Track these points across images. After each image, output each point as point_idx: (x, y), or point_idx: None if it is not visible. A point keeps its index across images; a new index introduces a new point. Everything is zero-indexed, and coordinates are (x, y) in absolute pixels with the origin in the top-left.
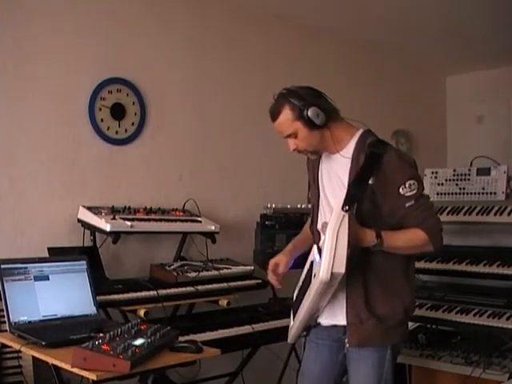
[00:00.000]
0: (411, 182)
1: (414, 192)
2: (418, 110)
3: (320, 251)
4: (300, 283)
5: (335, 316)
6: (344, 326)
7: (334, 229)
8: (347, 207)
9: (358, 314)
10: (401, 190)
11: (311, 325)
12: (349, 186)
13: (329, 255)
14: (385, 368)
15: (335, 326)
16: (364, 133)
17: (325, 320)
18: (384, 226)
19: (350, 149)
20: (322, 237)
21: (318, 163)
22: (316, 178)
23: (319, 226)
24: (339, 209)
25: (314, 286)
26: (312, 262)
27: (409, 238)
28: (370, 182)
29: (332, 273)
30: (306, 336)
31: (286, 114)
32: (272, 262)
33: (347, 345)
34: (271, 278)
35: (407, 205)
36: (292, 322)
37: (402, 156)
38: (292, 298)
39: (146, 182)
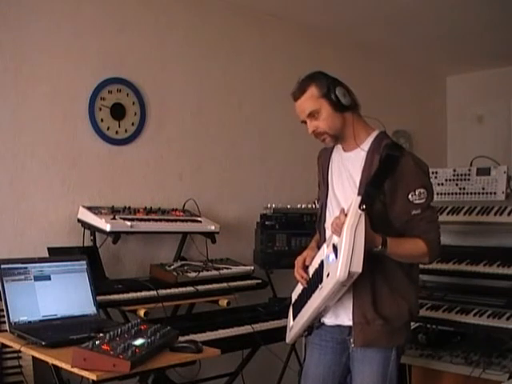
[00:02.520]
0: (421, 190)
1: (423, 201)
2: (418, 110)
3: (336, 250)
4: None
5: (339, 316)
6: (348, 327)
7: (352, 227)
8: (364, 206)
9: (365, 315)
10: (410, 195)
11: (314, 325)
12: (366, 185)
13: (346, 254)
14: (389, 369)
15: (339, 326)
16: (380, 134)
17: (329, 320)
18: (389, 229)
19: (366, 145)
20: (328, 232)
21: (328, 161)
22: (326, 176)
23: (327, 225)
24: (356, 207)
25: (328, 285)
26: (322, 262)
27: (410, 248)
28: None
29: (349, 272)
30: (307, 336)
31: (312, 91)
32: (300, 258)
33: (352, 345)
34: (301, 274)
35: (413, 212)
36: (292, 323)
37: (418, 162)
38: (291, 298)
39: (146, 182)
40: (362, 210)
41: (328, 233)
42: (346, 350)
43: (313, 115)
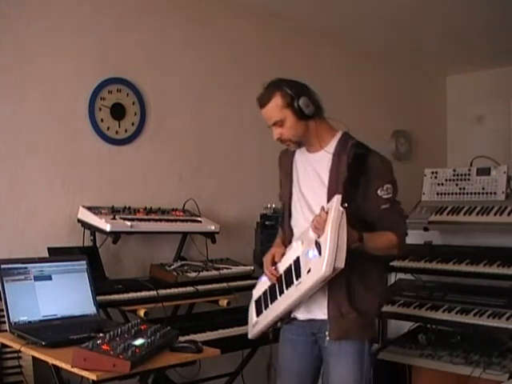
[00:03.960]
0: (389, 185)
1: (390, 196)
2: (418, 110)
3: (318, 246)
4: (268, 281)
5: (312, 311)
6: (321, 321)
7: (336, 224)
8: (346, 204)
9: (339, 308)
10: (379, 191)
11: (283, 321)
12: (344, 184)
13: (332, 250)
14: (365, 361)
15: (312, 321)
16: (345, 134)
17: (301, 315)
18: (362, 225)
19: (331, 147)
20: (296, 230)
21: (291, 161)
22: (289, 176)
23: (294, 223)
24: (339, 205)
25: (310, 280)
26: (298, 258)
27: (384, 241)
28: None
29: (334, 267)
30: (271, 332)
31: (276, 101)
32: (269, 256)
33: (327, 338)
34: (271, 271)
35: (382, 207)
36: (255, 319)
37: (383, 159)
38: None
39: (146, 182)
40: (344, 207)
41: (296, 231)
42: (317, 343)
43: (277, 123)
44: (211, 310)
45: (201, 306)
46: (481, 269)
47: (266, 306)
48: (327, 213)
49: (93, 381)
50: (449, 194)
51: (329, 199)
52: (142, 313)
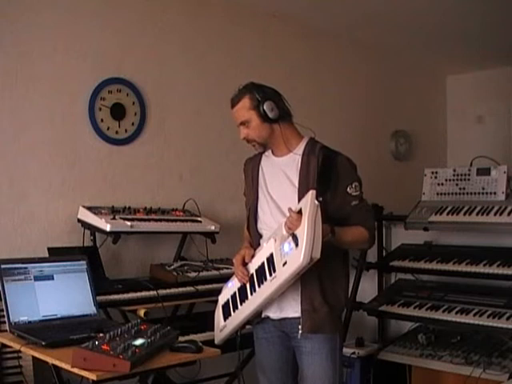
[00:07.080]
0: (356, 183)
1: (358, 193)
2: (418, 110)
3: (295, 239)
4: (237, 282)
5: (283, 309)
6: (292, 319)
7: (312, 216)
8: (321, 198)
9: (312, 303)
10: (348, 189)
11: (253, 321)
12: (317, 181)
13: (309, 240)
14: (337, 355)
15: (284, 319)
16: (311, 139)
17: (273, 314)
18: (330, 221)
19: (299, 149)
20: (264, 232)
21: (257, 167)
22: (255, 181)
23: (261, 226)
24: (314, 199)
25: (286, 273)
26: (271, 254)
27: (355, 235)
28: None
29: (311, 258)
30: (239, 337)
31: (244, 102)
32: (239, 257)
33: (300, 331)
34: (242, 272)
35: (353, 203)
36: (222, 323)
37: (349, 160)
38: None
39: (146, 182)
40: (319, 201)
41: (265, 233)
42: (290, 339)
43: (244, 124)
44: (211, 310)
45: (201, 306)
46: (481, 269)
47: (235, 308)
48: (300, 211)
49: (93, 381)
50: (449, 193)
51: (300, 199)
52: (141, 313)
